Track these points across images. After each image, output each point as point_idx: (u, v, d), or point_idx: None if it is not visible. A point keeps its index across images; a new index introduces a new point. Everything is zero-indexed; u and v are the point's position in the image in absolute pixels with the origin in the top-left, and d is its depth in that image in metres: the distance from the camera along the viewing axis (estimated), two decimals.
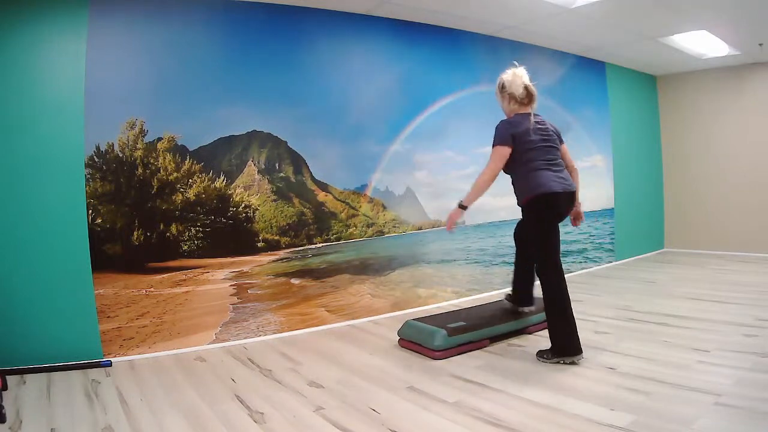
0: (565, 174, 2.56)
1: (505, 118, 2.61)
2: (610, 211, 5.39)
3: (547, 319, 2.55)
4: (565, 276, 2.52)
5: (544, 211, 2.51)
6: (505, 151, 2.49)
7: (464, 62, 4.19)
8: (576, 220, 2.81)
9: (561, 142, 2.67)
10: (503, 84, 2.60)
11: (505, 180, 2.73)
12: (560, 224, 2.62)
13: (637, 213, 5.74)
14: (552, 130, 2.61)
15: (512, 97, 2.56)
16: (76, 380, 2.49)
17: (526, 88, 2.54)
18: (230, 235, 3.21)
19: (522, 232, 2.88)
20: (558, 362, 2.50)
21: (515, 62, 2.63)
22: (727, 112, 5.53)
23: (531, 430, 1.82)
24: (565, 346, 2.48)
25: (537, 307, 3.10)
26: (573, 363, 2.47)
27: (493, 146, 2.52)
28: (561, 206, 2.53)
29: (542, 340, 2.90)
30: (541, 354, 2.58)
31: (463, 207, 2.54)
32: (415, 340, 2.79)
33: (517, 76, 2.56)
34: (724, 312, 3.23)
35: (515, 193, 2.61)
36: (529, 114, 2.55)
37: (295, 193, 3.47)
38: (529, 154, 2.49)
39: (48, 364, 2.61)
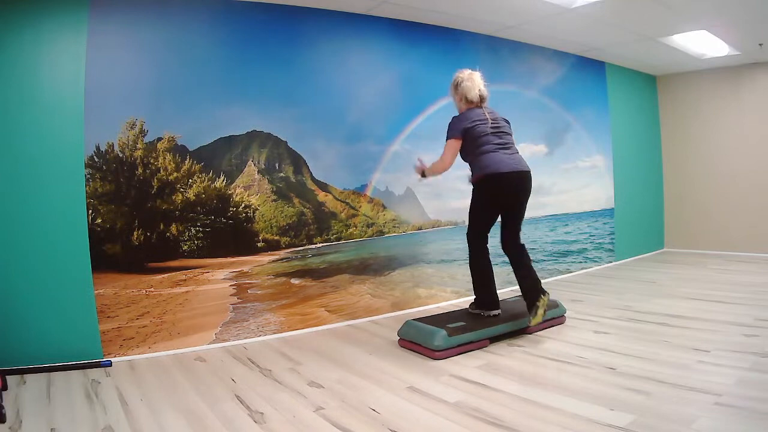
0: (516, 157, 2.82)
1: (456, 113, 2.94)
2: (610, 211, 5.39)
3: (472, 278, 3.00)
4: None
5: (491, 188, 2.79)
6: (457, 144, 2.83)
7: (464, 62, 4.13)
8: None
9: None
10: (458, 83, 2.91)
11: None
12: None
13: (637, 213, 5.74)
14: (502, 121, 2.90)
15: (464, 97, 2.88)
16: (76, 380, 2.49)
17: (479, 92, 2.86)
18: (230, 235, 3.21)
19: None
20: (479, 313, 2.95)
21: (477, 67, 3.00)
22: (727, 112, 5.53)
23: (531, 430, 1.82)
24: (484, 302, 2.95)
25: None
26: (491, 316, 2.91)
27: (447, 140, 2.86)
28: (509, 185, 2.77)
29: (543, 339, 2.90)
30: (471, 306, 3.07)
31: (424, 175, 3.03)
32: (415, 340, 2.79)
33: (474, 80, 2.88)
34: (724, 312, 3.23)
35: (471, 173, 2.91)
36: (480, 108, 2.86)
37: (295, 193, 3.47)
38: (480, 140, 2.78)
39: (48, 364, 2.61)
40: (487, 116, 2.82)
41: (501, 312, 2.98)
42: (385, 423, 1.93)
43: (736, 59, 5.14)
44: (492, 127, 2.80)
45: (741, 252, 5.44)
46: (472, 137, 2.77)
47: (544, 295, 2.81)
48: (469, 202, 2.97)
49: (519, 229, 2.93)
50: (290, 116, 3.37)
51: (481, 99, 2.88)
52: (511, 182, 2.75)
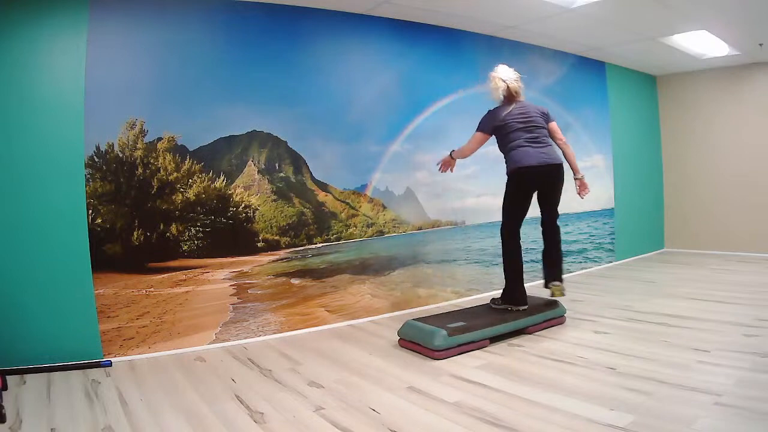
0: (547, 150, 2.94)
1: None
2: (610, 211, 5.39)
3: (505, 274, 3.10)
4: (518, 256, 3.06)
5: (520, 182, 2.94)
6: (482, 137, 3.06)
7: (464, 62, 4.19)
8: (581, 190, 3.12)
9: (548, 121, 3.05)
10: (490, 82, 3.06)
11: (502, 181, 2.76)
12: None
13: (637, 213, 5.74)
14: (534, 114, 2.99)
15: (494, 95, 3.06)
16: (76, 380, 2.49)
17: (507, 89, 2.98)
18: (230, 235, 3.21)
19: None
20: (507, 308, 3.05)
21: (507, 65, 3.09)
22: (727, 112, 5.53)
23: (531, 430, 1.82)
24: (515, 297, 3.05)
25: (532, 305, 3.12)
26: (518, 311, 3.02)
27: (476, 131, 3.08)
28: (535, 177, 2.90)
29: (543, 339, 2.90)
30: (493, 301, 3.18)
31: (452, 156, 3.24)
32: (416, 340, 2.79)
33: (497, 82, 3.00)
34: (724, 312, 3.22)
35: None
36: (510, 104, 2.99)
37: (295, 193, 3.47)
38: (510, 137, 2.94)
39: (48, 364, 2.60)
40: (517, 112, 2.95)
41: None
42: (385, 423, 1.93)
43: (736, 59, 5.13)
44: (522, 122, 2.93)
45: (741, 252, 5.44)
46: (503, 132, 2.96)
47: (560, 281, 3.03)
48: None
49: (556, 214, 3.08)
50: (290, 116, 3.37)
51: (510, 97, 3.00)
52: (537, 174, 2.89)
